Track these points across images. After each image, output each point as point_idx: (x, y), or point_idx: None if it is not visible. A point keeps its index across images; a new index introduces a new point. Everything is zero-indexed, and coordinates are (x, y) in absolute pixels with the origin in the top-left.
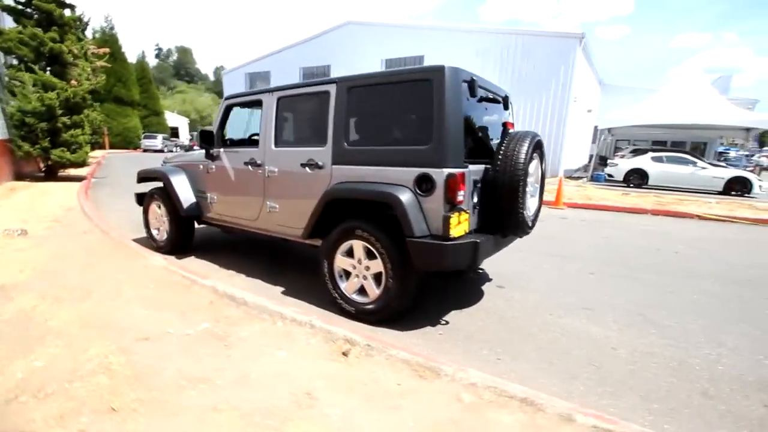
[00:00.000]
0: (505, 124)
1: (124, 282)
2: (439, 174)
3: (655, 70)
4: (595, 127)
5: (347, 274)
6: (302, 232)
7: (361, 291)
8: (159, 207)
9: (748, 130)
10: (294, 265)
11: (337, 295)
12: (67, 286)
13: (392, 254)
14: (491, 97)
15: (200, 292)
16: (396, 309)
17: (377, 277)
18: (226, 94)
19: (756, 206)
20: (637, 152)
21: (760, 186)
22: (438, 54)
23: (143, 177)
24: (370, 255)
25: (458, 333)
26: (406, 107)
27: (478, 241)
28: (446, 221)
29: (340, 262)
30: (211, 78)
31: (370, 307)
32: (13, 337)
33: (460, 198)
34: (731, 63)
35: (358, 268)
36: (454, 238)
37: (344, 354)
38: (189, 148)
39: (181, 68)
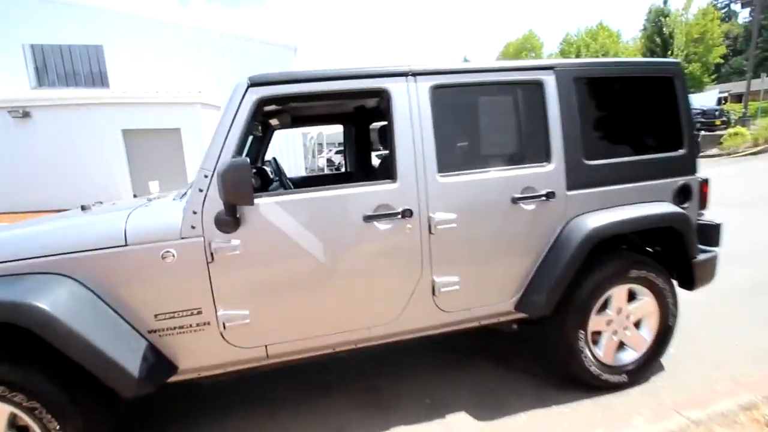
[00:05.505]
0: None
1: None
2: (694, 181)
3: None
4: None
5: (593, 337)
6: (518, 302)
7: (619, 348)
8: None
9: None
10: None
11: (595, 367)
12: None
13: (671, 286)
14: None
15: None
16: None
17: (637, 325)
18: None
19: None
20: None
21: None
22: (126, 47)
23: None
24: (630, 299)
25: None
26: (646, 106)
27: None
28: (715, 230)
29: (594, 323)
30: None
31: (643, 360)
32: None
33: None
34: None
35: (616, 320)
36: None
37: None
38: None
39: None
